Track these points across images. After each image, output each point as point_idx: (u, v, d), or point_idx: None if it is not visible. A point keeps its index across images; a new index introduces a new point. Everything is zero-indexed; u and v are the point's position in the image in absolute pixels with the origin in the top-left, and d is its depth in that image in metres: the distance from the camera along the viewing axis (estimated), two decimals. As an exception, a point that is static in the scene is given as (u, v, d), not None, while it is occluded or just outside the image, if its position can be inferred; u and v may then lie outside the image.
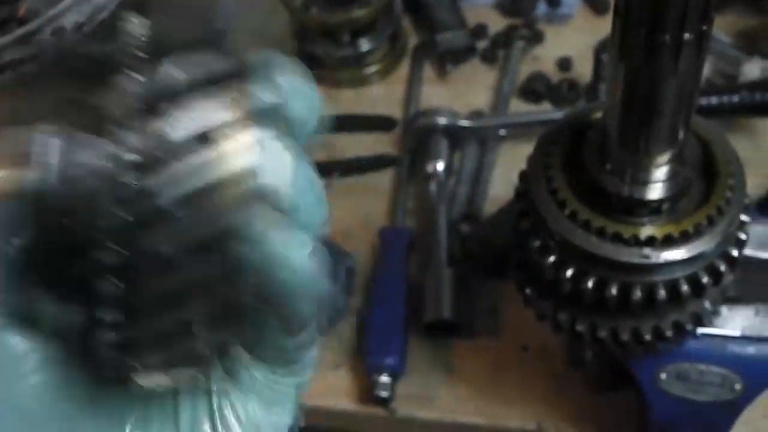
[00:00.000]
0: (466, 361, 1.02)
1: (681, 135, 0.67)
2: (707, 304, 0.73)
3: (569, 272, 0.70)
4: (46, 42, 1.34)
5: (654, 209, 0.70)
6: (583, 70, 1.29)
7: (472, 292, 1.05)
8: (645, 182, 0.69)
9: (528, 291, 0.76)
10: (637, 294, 0.69)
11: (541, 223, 0.71)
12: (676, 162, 0.69)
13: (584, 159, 0.72)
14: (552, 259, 0.71)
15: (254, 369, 0.40)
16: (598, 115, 0.75)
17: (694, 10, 0.57)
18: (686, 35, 0.59)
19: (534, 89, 1.26)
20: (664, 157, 0.68)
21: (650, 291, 0.69)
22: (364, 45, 1.32)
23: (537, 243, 0.72)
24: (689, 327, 0.73)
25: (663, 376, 0.79)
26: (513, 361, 1.01)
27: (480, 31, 1.36)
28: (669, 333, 0.72)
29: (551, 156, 0.74)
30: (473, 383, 1.00)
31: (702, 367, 0.79)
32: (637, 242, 0.68)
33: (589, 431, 0.95)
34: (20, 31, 1.31)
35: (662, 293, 0.69)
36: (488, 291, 1.06)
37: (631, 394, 0.92)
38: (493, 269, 1.07)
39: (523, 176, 0.76)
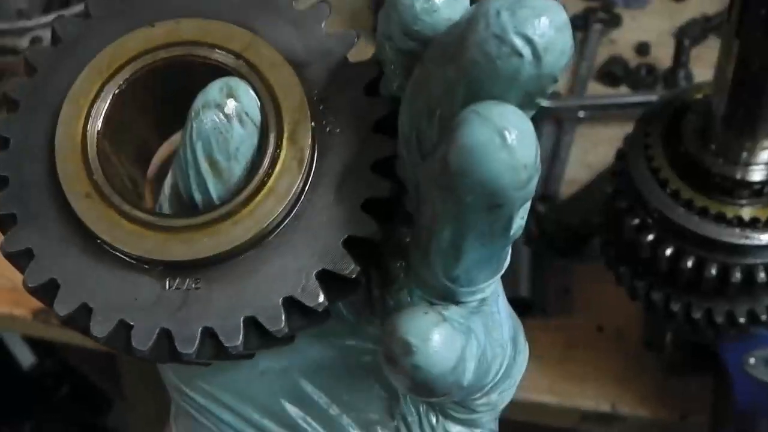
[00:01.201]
0: (539, 340, 1.02)
1: (789, 118, 0.67)
2: (803, 290, 0.73)
3: (668, 251, 0.70)
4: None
5: (756, 191, 0.69)
6: (661, 55, 1.28)
7: (546, 271, 1.05)
8: (748, 164, 0.69)
9: (621, 269, 0.76)
10: (737, 275, 0.69)
11: (640, 202, 0.72)
12: (781, 145, 0.68)
13: (683, 139, 0.72)
14: (650, 237, 0.71)
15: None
16: (699, 95, 0.75)
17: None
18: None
19: (611, 72, 1.25)
20: (770, 140, 0.68)
21: (749, 273, 0.69)
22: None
23: (634, 221, 0.72)
24: (784, 312, 0.73)
25: (751, 360, 0.79)
26: (587, 341, 1.01)
27: (557, 12, 1.35)
28: (764, 317, 0.72)
29: (650, 136, 0.74)
30: (546, 362, 1.00)
31: (792, 353, 0.79)
32: (741, 223, 0.68)
33: (663, 414, 0.95)
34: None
35: (762, 276, 0.69)
36: (562, 271, 1.06)
37: (707, 378, 0.91)
38: (567, 249, 1.07)
39: (621, 155, 0.76)
